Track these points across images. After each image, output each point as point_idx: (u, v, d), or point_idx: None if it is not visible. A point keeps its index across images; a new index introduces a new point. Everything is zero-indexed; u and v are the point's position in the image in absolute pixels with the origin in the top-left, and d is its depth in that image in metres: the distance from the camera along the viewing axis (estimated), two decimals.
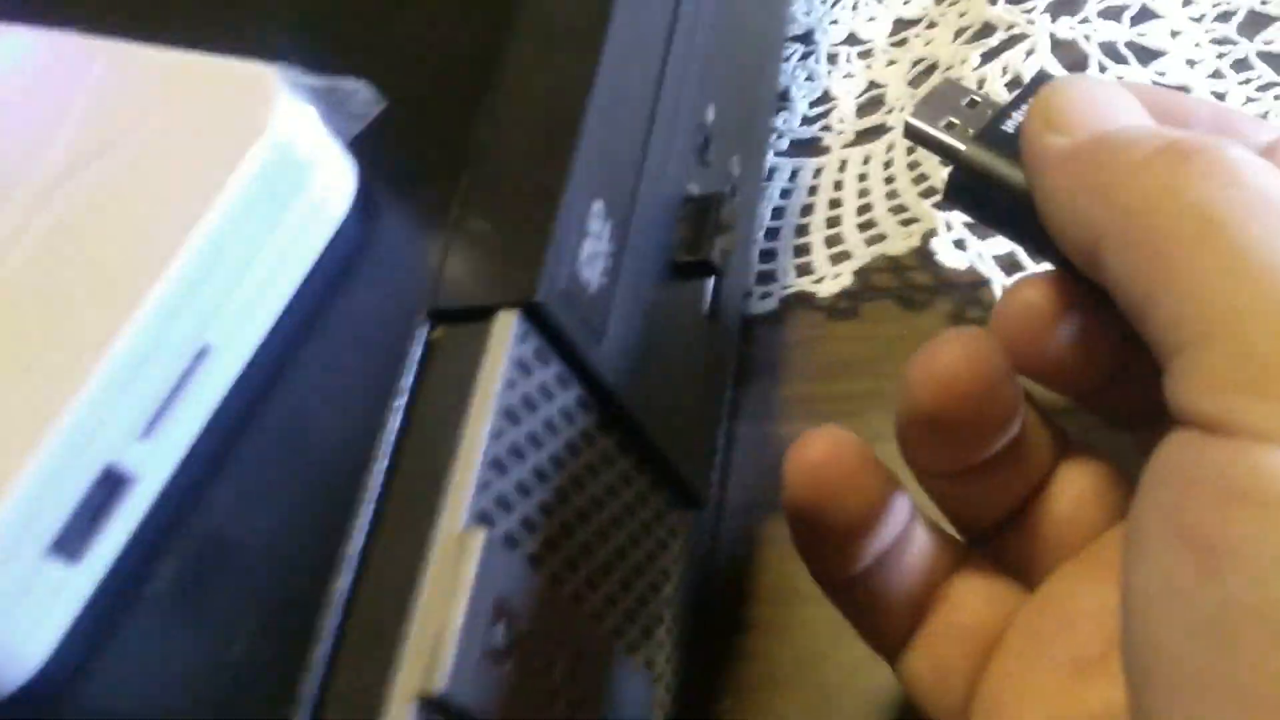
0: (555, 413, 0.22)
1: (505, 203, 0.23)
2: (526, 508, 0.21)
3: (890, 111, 0.37)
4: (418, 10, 0.27)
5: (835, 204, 0.36)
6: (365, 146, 0.24)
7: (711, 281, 0.28)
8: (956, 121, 0.23)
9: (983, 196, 0.22)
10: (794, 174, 0.37)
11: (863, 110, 0.38)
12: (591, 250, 0.23)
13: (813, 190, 0.37)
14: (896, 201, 0.34)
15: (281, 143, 0.23)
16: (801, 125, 0.38)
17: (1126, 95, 0.20)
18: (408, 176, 0.25)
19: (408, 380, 0.22)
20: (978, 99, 0.23)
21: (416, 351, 0.22)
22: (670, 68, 0.27)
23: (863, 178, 0.36)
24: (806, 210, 0.36)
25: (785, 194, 0.37)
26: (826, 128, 0.38)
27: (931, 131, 0.23)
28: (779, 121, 0.39)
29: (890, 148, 0.36)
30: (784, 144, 0.38)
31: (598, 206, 0.23)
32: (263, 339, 0.23)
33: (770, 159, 0.38)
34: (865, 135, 0.37)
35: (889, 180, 0.35)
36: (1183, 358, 0.15)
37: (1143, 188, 0.17)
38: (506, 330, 0.21)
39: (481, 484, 0.20)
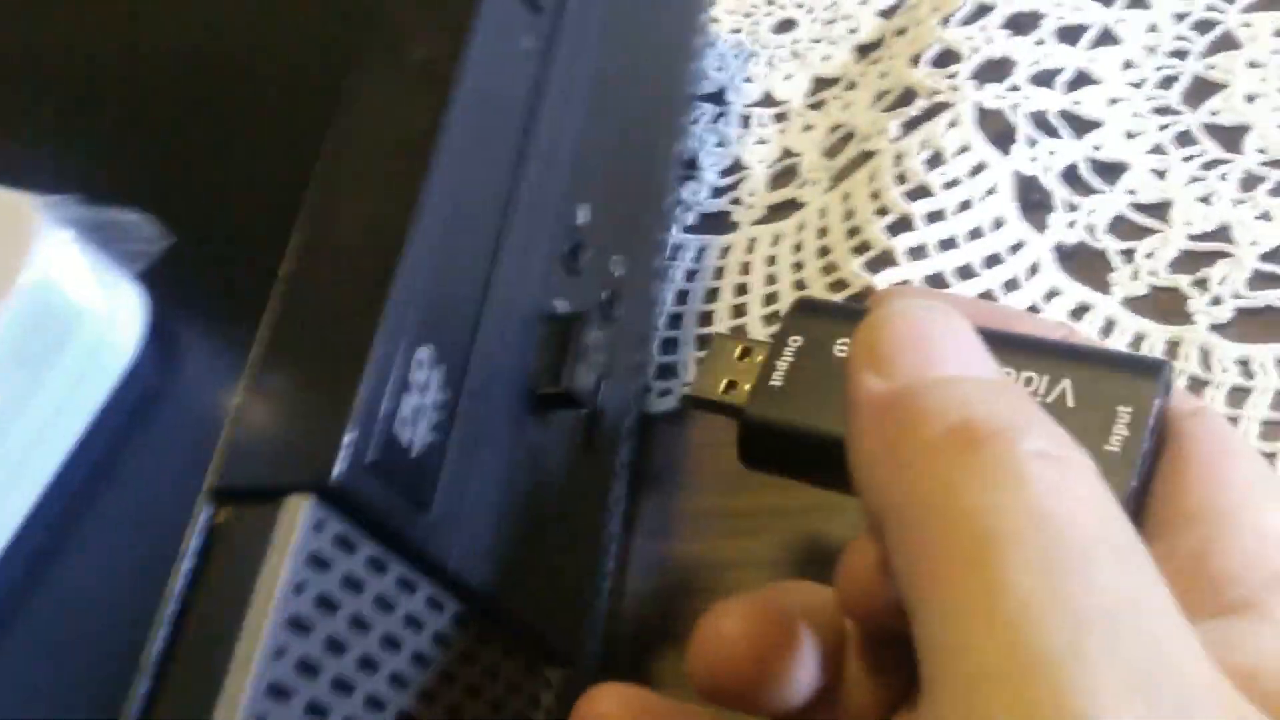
0: (367, 605, 0.19)
1: (307, 357, 0.20)
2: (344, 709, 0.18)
3: (804, 185, 0.34)
4: (216, 134, 0.23)
5: (741, 289, 0.33)
6: (160, 282, 0.21)
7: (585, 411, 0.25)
8: (736, 379, 0.22)
9: (781, 451, 0.21)
10: (700, 253, 0.34)
11: (775, 181, 0.35)
12: (415, 405, 0.20)
13: (719, 272, 0.33)
14: (805, 293, 0.31)
15: (44, 280, 0.19)
16: (710, 197, 0.35)
17: (957, 323, 0.17)
18: (210, 315, 0.21)
19: (184, 572, 0.18)
20: (750, 346, 0.22)
21: (197, 537, 0.18)
22: (525, 175, 0.24)
23: (771, 260, 0.32)
24: (712, 295, 0.33)
25: (691, 275, 0.34)
26: (736, 200, 0.35)
27: (713, 399, 0.22)
28: (686, 193, 0.35)
29: (801, 227, 0.32)
30: (691, 218, 0.35)
31: (423, 353, 0.20)
32: (36, 501, 0.20)
33: (676, 235, 0.34)
34: (776, 211, 0.34)
35: (798, 266, 0.31)
36: (926, 694, 0.14)
37: (927, 478, 0.15)
38: (296, 519, 0.18)
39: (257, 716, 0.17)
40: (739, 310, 0.32)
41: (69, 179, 0.21)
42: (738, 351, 0.23)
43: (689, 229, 0.35)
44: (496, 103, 0.23)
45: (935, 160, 0.31)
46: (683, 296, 0.33)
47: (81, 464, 0.20)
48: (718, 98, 0.37)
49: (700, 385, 0.23)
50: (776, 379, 0.21)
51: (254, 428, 0.19)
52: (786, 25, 0.38)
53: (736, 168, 0.35)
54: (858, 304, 0.27)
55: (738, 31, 0.39)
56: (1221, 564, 0.17)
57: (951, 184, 0.31)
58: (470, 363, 0.22)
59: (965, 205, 0.30)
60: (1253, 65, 0.31)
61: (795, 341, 0.21)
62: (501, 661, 0.23)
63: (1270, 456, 0.26)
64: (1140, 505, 0.18)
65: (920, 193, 0.31)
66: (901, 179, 0.31)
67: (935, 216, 0.30)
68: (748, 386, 0.22)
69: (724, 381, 0.22)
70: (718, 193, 0.35)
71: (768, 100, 0.37)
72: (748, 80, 0.37)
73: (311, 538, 0.18)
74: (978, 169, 0.31)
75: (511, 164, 0.23)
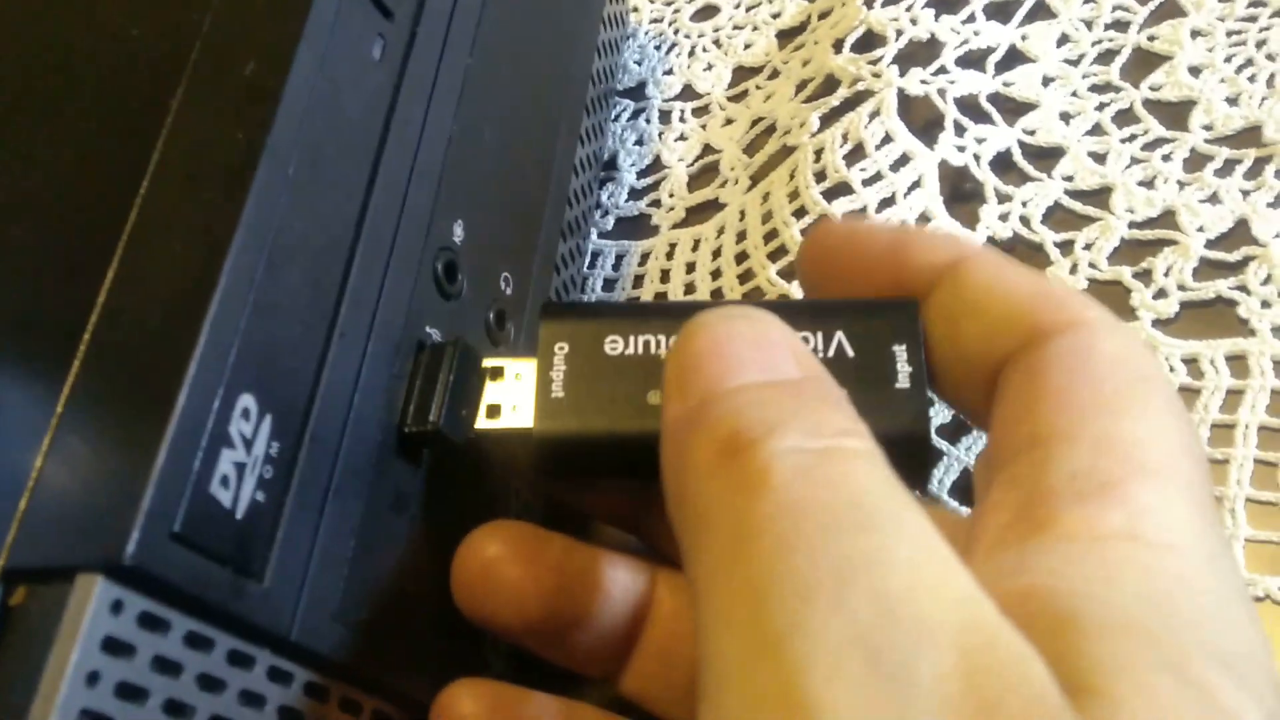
0: (188, 687, 0.17)
1: (111, 414, 0.17)
2: None
3: (724, 184, 0.31)
4: (17, 172, 0.21)
5: (661, 297, 0.30)
6: None
7: None
8: (498, 404, 0.22)
9: (582, 459, 0.20)
10: (619, 260, 0.32)
11: (695, 181, 0.32)
12: (235, 462, 0.18)
13: (638, 281, 0.31)
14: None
15: None
16: (629, 199, 0.33)
17: (757, 327, 0.17)
18: (12, 370, 0.19)
19: None
20: (499, 367, 0.22)
21: None
22: (380, 194, 0.21)
23: (690, 267, 0.30)
24: None
25: (609, 285, 0.32)
26: (656, 202, 0.32)
27: (498, 429, 0.21)
28: (604, 195, 0.33)
29: (720, 230, 0.30)
30: (609, 223, 0.33)
31: (245, 402, 0.18)
32: None
33: (594, 241, 0.32)
34: (696, 213, 0.32)
35: (715, 275, 0.29)
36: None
37: (695, 495, 0.16)
38: (86, 601, 0.16)
39: None
40: None
41: None
42: (487, 376, 0.22)
43: (606, 234, 0.32)
44: (338, 117, 0.21)
45: (856, 154, 0.29)
46: None
47: None
48: (637, 92, 0.35)
49: (466, 424, 0.22)
50: (556, 390, 0.20)
51: (51, 497, 0.17)
52: (708, 12, 0.36)
53: (656, 167, 0.33)
54: (608, 302, 0.28)
55: (659, 21, 0.37)
56: (1050, 483, 0.16)
57: (873, 179, 0.28)
58: (312, 408, 0.20)
59: (889, 202, 0.28)
60: (1197, 34, 0.29)
61: (561, 349, 0.21)
62: None
63: (1222, 463, 0.24)
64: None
65: (840, 190, 0.29)
66: (821, 176, 0.29)
67: (857, 215, 0.28)
68: (515, 407, 0.21)
69: (484, 409, 0.22)
70: (636, 194, 0.33)
71: (688, 93, 0.34)
72: (668, 73, 0.35)
73: (107, 621, 0.16)
74: (901, 161, 0.29)
75: (361, 184, 0.21)
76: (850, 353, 0.20)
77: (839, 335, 0.20)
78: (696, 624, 0.15)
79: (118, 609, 0.16)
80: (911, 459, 0.19)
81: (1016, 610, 0.14)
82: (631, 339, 0.21)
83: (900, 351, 0.19)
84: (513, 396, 0.21)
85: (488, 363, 0.22)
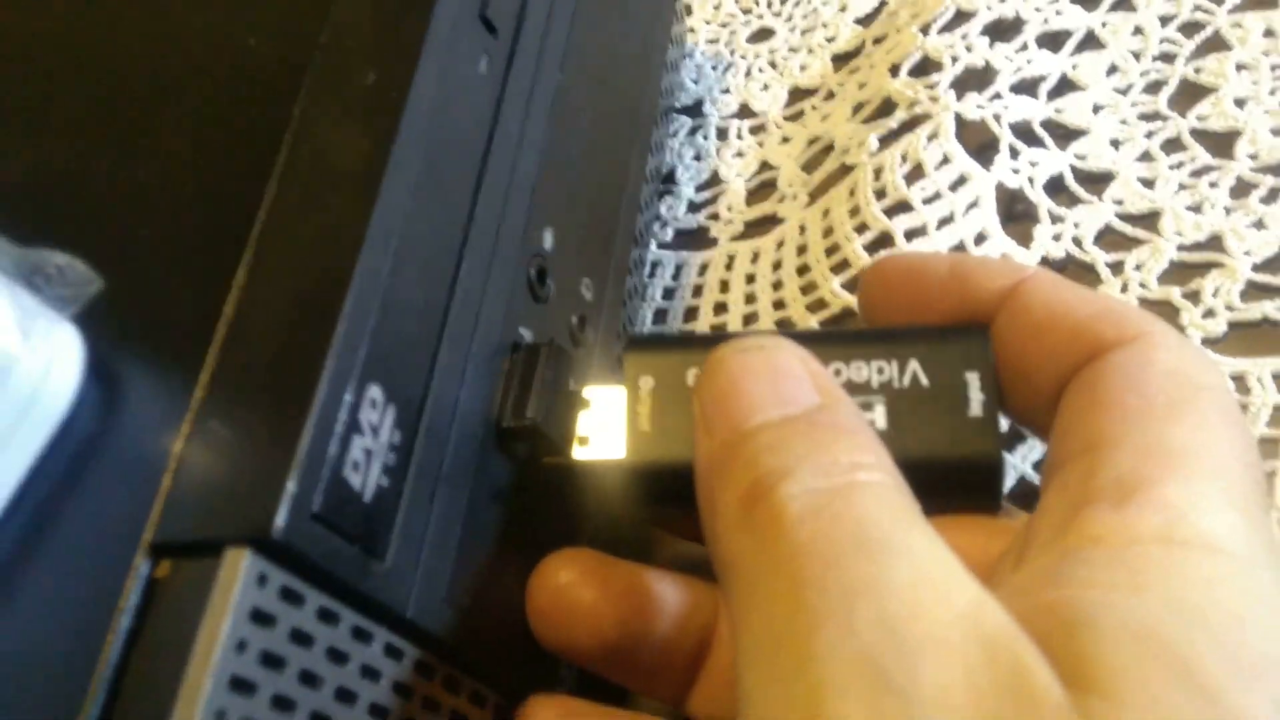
0: (318, 659, 0.18)
1: (250, 401, 0.19)
2: None
3: (782, 200, 0.33)
4: (149, 170, 0.22)
5: (720, 308, 0.32)
6: (97, 325, 0.20)
7: None
8: (585, 437, 0.22)
9: (671, 492, 0.21)
10: (678, 270, 0.33)
11: (753, 196, 0.34)
12: (365, 449, 0.19)
13: (698, 290, 0.32)
14: (784, 313, 0.30)
15: None
16: (687, 212, 0.34)
17: (775, 360, 0.18)
18: (150, 357, 0.20)
19: (121, 630, 0.17)
20: (607, 402, 0.22)
21: (135, 594, 0.18)
22: (484, 202, 0.23)
23: (750, 279, 0.31)
24: (691, 314, 0.32)
25: (669, 293, 0.33)
26: (714, 216, 0.34)
27: (591, 459, 0.22)
28: (663, 208, 0.34)
29: (780, 244, 0.32)
30: (668, 234, 0.34)
31: (374, 393, 0.19)
32: None
33: (653, 251, 0.33)
34: (755, 227, 0.33)
35: (777, 285, 0.31)
36: None
37: (728, 543, 0.17)
38: (235, 573, 0.17)
39: None
40: (718, 331, 0.31)
41: None
42: (578, 405, 0.23)
43: (665, 245, 0.34)
44: (451, 128, 0.22)
45: (915, 174, 0.30)
46: (660, 315, 0.32)
47: (19, 515, 0.19)
48: (695, 110, 0.36)
49: (560, 452, 0.23)
50: (644, 423, 0.21)
51: (194, 477, 0.18)
52: (763, 34, 0.38)
53: (714, 182, 0.34)
54: (691, 333, 0.29)
55: (715, 42, 0.38)
56: (1093, 487, 0.16)
57: (932, 198, 0.30)
58: (427, 400, 0.21)
59: (947, 220, 0.29)
60: (1242, 68, 0.30)
61: (647, 383, 0.21)
62: (470, 708, 0.22)
63: (1270, 475, 0.25)
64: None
65: (900, 208, 0.30)
66: (881, 194, 0.30)
67: (916, 233, 0.29)
68: (605, 436, 0.22)
69: (576, 439, 0.22)
70: (695, 208, 0.34)
71: (745, 112, 0.36)
72: (725, 92, 0.36)
73: (254, 593, 0.17)
74: (959, 182, 0.30)
75: (468, 191, 0.22)
76: (925, 381, 0.20)
77: (913, 364, 0.20)
78: (735, 660, 0.16)
79: (263, 582, 0.17)
80: (985, 484, 0.20)
81: (1041, 619, 0.14)
82: None
83: (973, 379, 0.20)
84: (602, 425, 0.22)
85: (581, 392, 0.23)
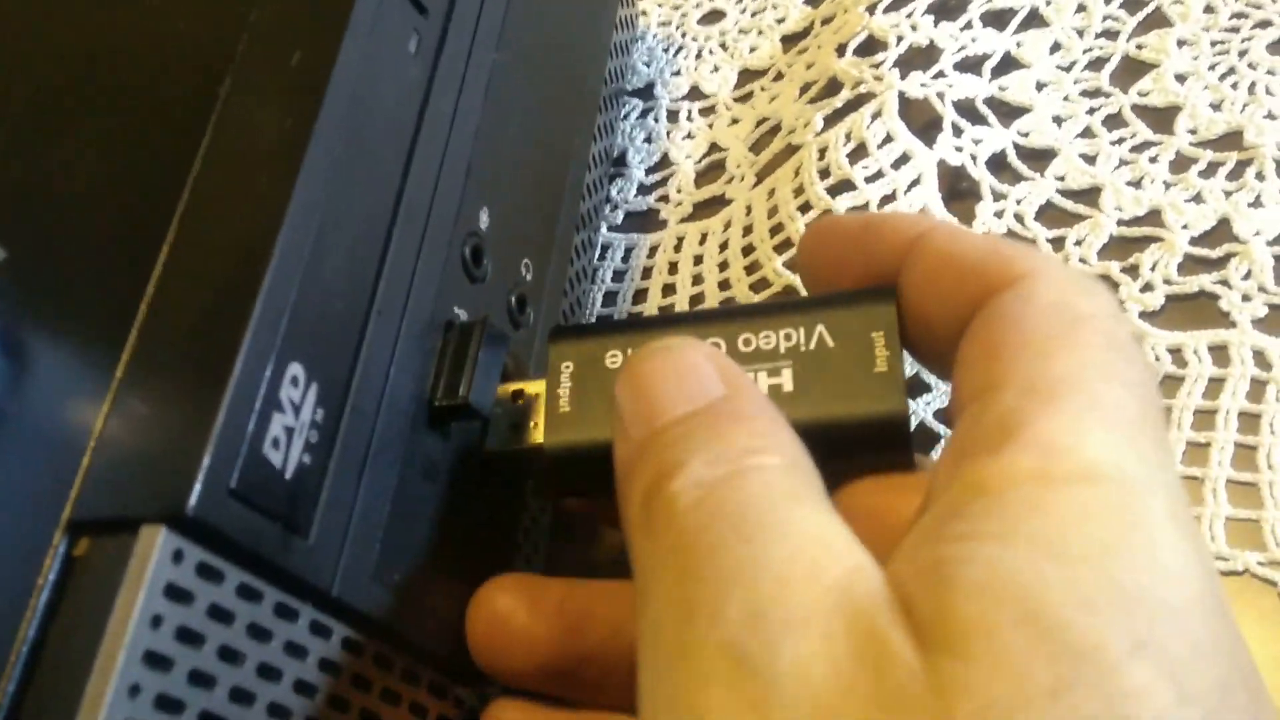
0: (239, 635, 0.18)
1: (168, 378, 0.19)
2: None
3: (730, 180, 0.33)
4: (65, 139, 0.22)
5: (668, 290, 0.32)
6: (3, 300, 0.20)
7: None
8: (519, 423, 0.23)
9: (586, 471, 0.21)
10: (628, 253, 0.33)
11: (702, 178, 0.34)
12: (285, 426, 0.19)
13: (647, 273, 0.32)
14: (729, 293, 0.30)
15: None
16: (637, 194, 0.34)
17: (682, 357, 0.19)
18: (59, 329, 0.20)
19: (39, 606, 0.17)
20: (519, 388, 0.23)
21: (53, 570, 0.18)
22: (415, 178, 0.23)
23: (698, 260, 0.32)
24: (640, 296, 0.32)
25: (618, 276, 0.33)
26: (664, 198, 0.34)
27: (510, 448, 0.23)
28: (614, 190, 0.34)
29: (727, 225, 0.32)
30: (618, 217, 0.34)
31: (294, 370, 0.19)
32: None
33: (603, 234, 0.33)
34: (703, 208, 0.33)
35: (723, 266, 0.31)
36: None
37: (632, 543, 0.17)
38: (151, 550, 0.17)
39: None
40: (651, 315, 0.31)
41: None
42: (509, 395, 0.23)
43: (615, 228, 0.34)
44: (378, 106, 0.22)
45: (859, 152, 0.30)
46: (610, 298, 0.33)
47: None
48: (646, 93, 0.36)
49: (494, 438, 0.23)
50: (563, 405, 0.22)
51: (113, 454, 0.18)
52: (714, 16, 0.38)
53: (664, 164, 0.35)
54: (612, 319, 0.30)
55: (666, 24, 0.38)
56: (976, 436, 0.16)
57: (875, 176, 0.30)
58: (353, 378, 0.21)
59: (890, 198, 0.29)
60: (1183, 43, 0.31)
61: (567, 368, 0.22)
62: (402, 686, 0.22)
63: (1204, 447, 0.25)
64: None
65: (844, 186, 0.30)
66: (825, 173, 0.30)
67: (859, 210, 0.29)
68: (533, 425, 0.22)
69: (505, 430, 0.23)
70: (645, 190, 0.34)
71: (695, 94, 0.36)
72: (676, 74, 0.36)
73: (168, 569, 0.17)
74: (902, 160, 0.30)
75: (398, 170, 0.23)
76: (830, 343, 0.21)
77: (820, 328, 0.21)
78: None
79: (178, 558, 0.17)
80: (893, 439, 0.20)
81: (920, 580, 0.14)
82: (629, 352, 0.22)
83: (878, 338, 0.20)
84: (529, 417, 0.23)
85: (507, 387, 0.23)
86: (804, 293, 0.26)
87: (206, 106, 0.22)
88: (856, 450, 0.20)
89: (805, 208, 0.30)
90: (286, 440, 0.19)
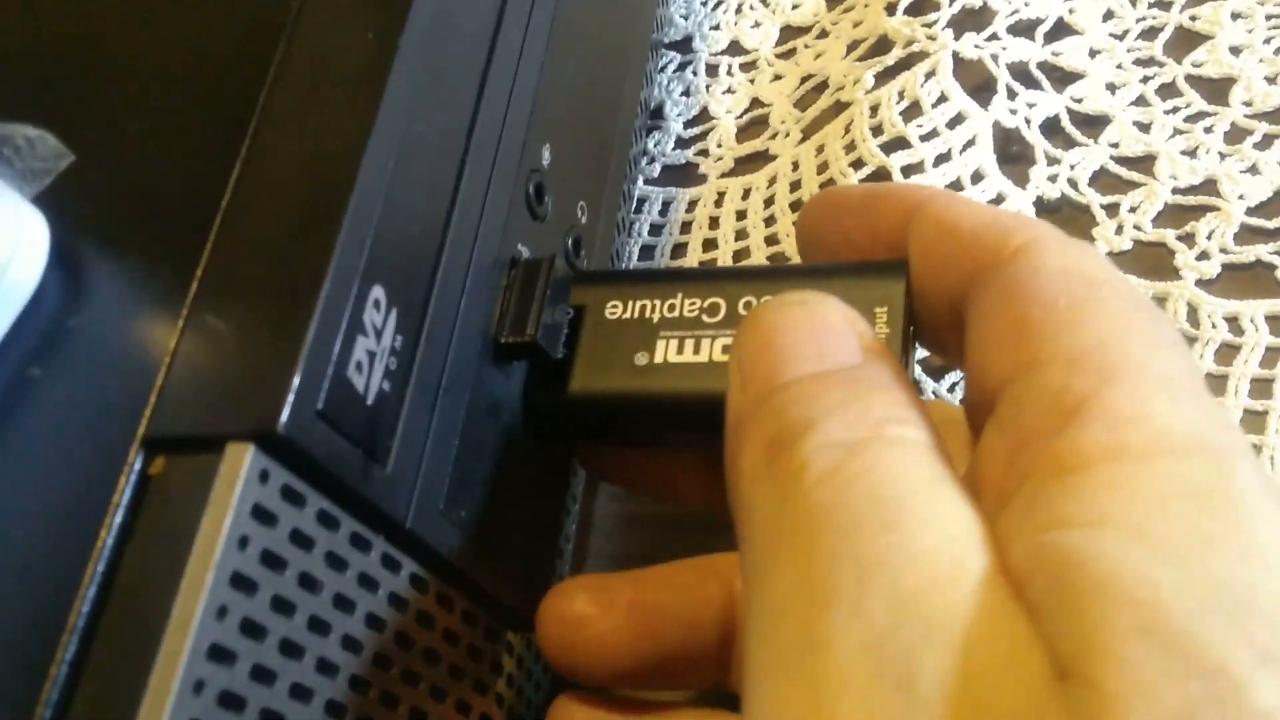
0: (317, 563, 0.18)
1: (250, 294, 0.18)
2: (264, 698, 0.16)
3: (774, 136, 0.32)
4: (130, 46, 0.22)
5: (710, 244, 0.31)
6: (60, 206, 0.19)
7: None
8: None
9: (581, 418, 0.22)
10: (666, 206, 0.32)
11: (743, 133, 0.33)
12: (368, 350, 0.18)
13: (686, 227, 0.32)
14: (777, 249, 0.29)
15: None
16: (675, 148, 0.34)
17: (813, 316, 0.17)
18: (116, 243, 0.20)
19: (113, 526, 0.17)
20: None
21: (127, 489, 0.17)
22: (486, 109, 0.22)
23: (741, 215, 0.31)
24: (679, 250, 0.32)
25: (655, 230, 0.32)
26: (703, 152, 0.33)
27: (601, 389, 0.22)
28: (650, 143, 0.34)
29: (772, 180, 0.31)
30: (655, 170, 0.33)
31: (377, 294, 0.18)
32: None
33: (639, 187, 0.33)
34: (745, 163, 0.32)
35: (769, 221, 0.30)
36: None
37: (746, 495, 0.16)
38: (238, 470, 0.16)
39: (194, 683, 0.15)
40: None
41: None
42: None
43: (652, 181, 0.33)
44: (455, 30, 0.21)
45: (912, 111, 0.30)
46: (647, 251, 0.32)
47: None
48: (684, 46, 0.36)
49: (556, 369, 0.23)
50: (577, 356, 0.22)
51: (190, 372, 0.18)
52: None
53: (703, 118, 0.34)
54: (618, 269, 0.29)
55: None
56: (1031, 418, 0.15)
57: (929, 136, 0.29)
58: (429, 307, 0.20)
59: (944, 157, 0.29)
60: (1237, 16, 0.30)
61: (588, 315, 0.22)
62: (461, 626, 0.21)
63: (1261, 415, 0.25)
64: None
65: (897, 144, 0.30)
66: (877, 130, 0.30)
67: (913, 169, 0.29)
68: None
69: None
70: (683, 144, 0.34)
71: (735, 49, 0.35)
72: (715, 28, 0.36)
73: (256, 488, 0.16)
74: (956, 120, 0.30)
75: (471, 98, 0.22)
76: None
77: None
78: (744, 619, 0.15)
79: (265, 478, 0.17)
80: None
81: (1029, 574, 0.13)
82: (630, 304, 0.22)
83: (881, 313, 0.20)
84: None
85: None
86: None
87: (279, 17, 0.21)
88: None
89: (858, 164, 0.29)
90: (369, 364, 0.18)
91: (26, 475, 0.18)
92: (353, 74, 0.19)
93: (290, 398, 0.16)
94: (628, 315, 0.22)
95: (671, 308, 0.22)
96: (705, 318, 0.22)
